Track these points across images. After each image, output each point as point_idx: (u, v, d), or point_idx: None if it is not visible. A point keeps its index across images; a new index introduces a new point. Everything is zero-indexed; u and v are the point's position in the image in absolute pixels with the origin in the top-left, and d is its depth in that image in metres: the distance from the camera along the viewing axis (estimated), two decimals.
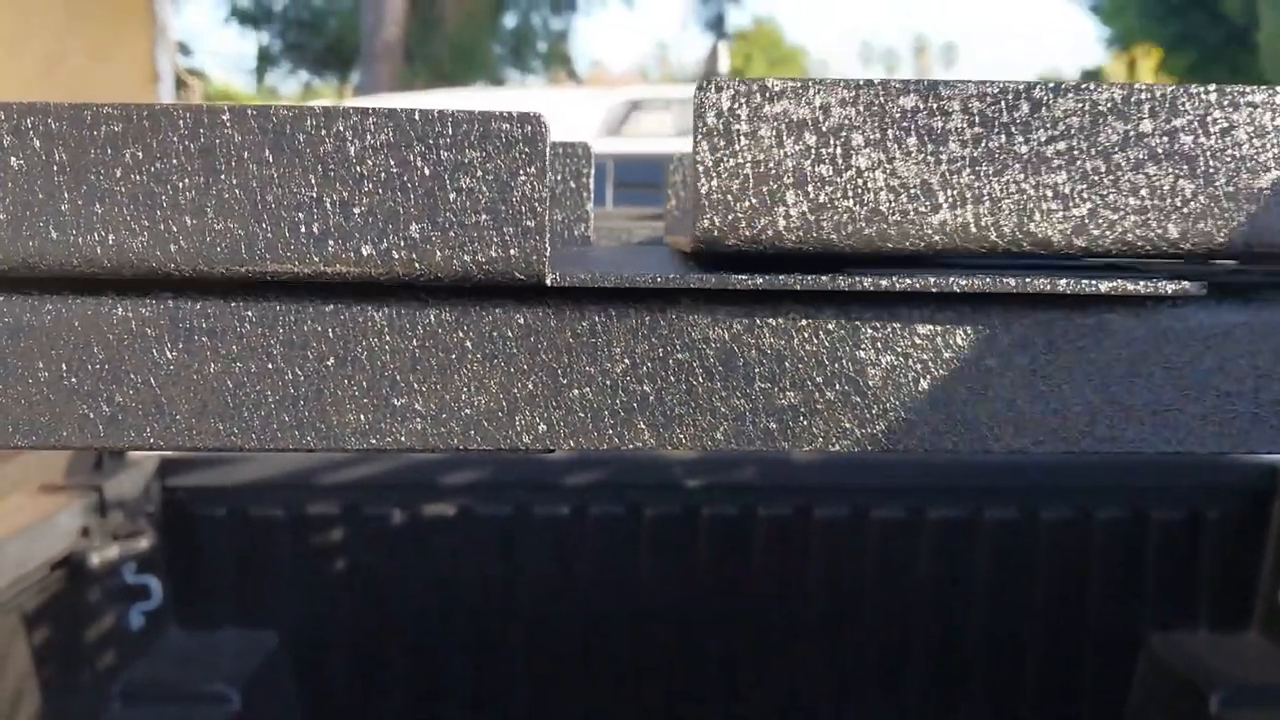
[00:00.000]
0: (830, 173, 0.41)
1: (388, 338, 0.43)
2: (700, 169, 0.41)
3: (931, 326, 0.44)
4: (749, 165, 0.41)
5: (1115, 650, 2.15)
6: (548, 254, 0.41)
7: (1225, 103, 0.41)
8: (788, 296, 0.43)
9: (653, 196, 2.09)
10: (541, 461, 2.20)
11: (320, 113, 0.40)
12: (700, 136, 0.41)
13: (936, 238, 0.41)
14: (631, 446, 0.43)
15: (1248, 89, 0.41)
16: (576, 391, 0.43)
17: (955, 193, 0.41)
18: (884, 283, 0.42)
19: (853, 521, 2.13)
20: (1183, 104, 0.41)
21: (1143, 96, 0.41)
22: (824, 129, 0.41)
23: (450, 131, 0.40)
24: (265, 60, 21.32)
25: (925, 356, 0.44)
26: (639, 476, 2.17)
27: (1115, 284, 0.42)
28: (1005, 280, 0.42)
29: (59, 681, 1.76)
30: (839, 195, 0.41)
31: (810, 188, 0.41)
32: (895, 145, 0.41)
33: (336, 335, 0.43)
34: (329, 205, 0.40)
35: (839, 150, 0.41)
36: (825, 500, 2.14)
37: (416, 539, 2.17)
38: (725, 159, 0.41)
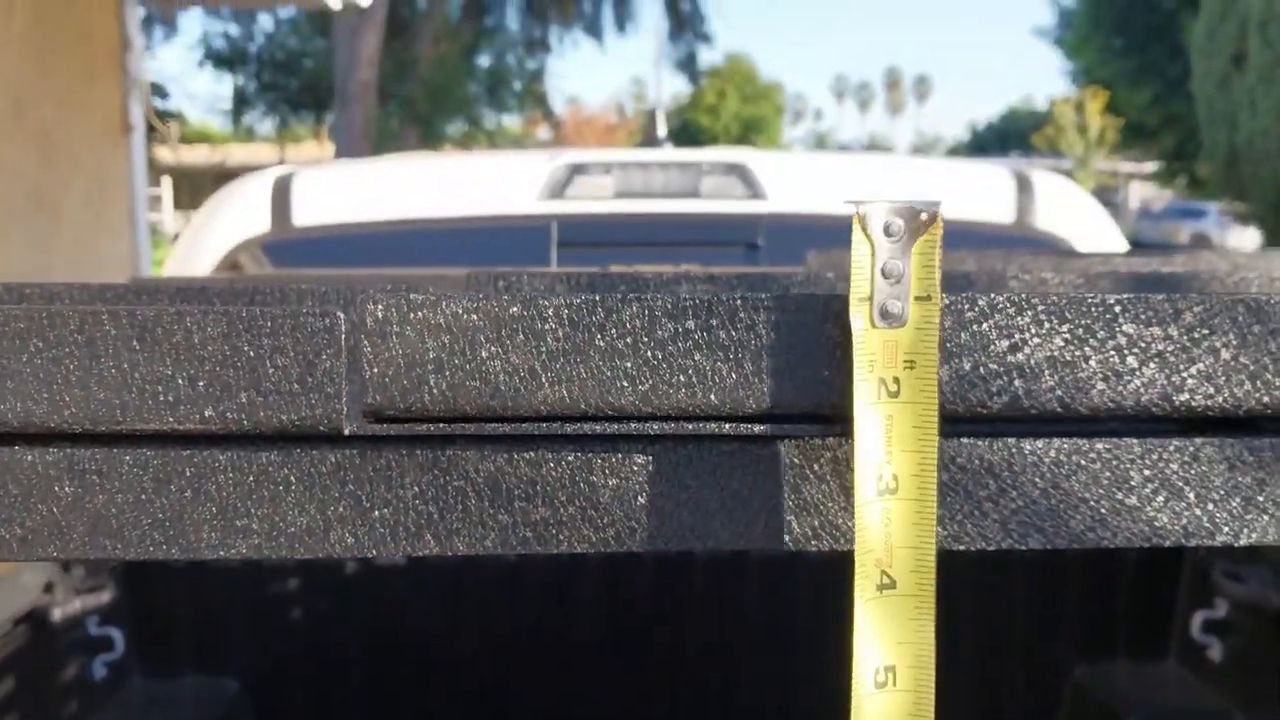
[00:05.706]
0: (461, 361, 0.56)
1: (231, 475, 0.57)
2: (365, 360, 0.56)
3: (643, 458, 0.58)
4: (401, 357, 0.56)
5: (1042, 682, 2.25)
6: (344, 413, 0.55)
7: (750, 305, 0.56)
8: (538, 439, 0.57)
9: (595, 256, 2.21)
10: None
11: (173, 313, 0.54)
12: (363, 336, 0.56)
13: (543, 408, 0.56)
14: (420, 554, 0.57)
15: (767, 298, 0.56)
16: (377, 513, 0.57)
17: (553, 375, 0.56)
18: (599, 429, 0.56)
19: (780, 559, 2.25)
20: (717, 308, 0.56)
21: (687, 306, 0.56)
22: (455, 330, 0.56)
23: (270, 325, 0.54)
24: (241, 101, 21.49)
25: (641, 479, 0.58)
26: None
27: (766, 428, 0.56)
28: (686, 426, 0.56)
29: None
30: (469, 378, 0.56)
31: (448, 372, 0.56)
32: (509, 341, 0.56)
33: (192, 474, 0.57)
34: (180, 380, 0.54)
35: (467, 345, 0.56)
36: None
37: (370, 584, 2.26)
38: (383, 352, 0.56)
